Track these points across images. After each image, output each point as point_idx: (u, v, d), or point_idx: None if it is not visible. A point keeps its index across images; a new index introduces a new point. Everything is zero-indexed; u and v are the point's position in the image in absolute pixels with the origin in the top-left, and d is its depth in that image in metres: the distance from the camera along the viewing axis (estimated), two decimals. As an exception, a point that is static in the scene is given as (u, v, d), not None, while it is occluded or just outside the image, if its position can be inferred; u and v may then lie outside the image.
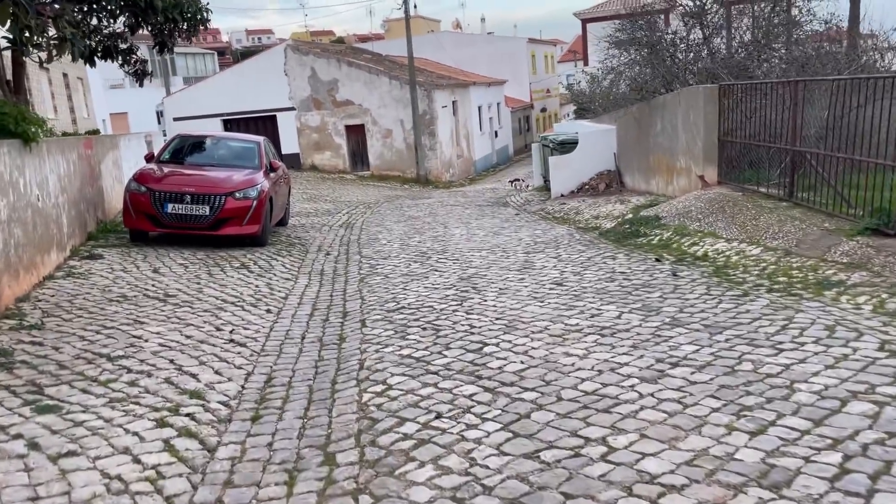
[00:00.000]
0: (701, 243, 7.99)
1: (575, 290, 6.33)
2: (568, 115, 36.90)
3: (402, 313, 6.04)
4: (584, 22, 47.04)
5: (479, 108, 36.75)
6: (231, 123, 30.86)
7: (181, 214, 9.53)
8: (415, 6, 56.57)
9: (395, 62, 34.01)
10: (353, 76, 29.45)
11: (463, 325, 5.48)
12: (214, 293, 7.04)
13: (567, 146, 16.58)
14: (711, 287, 6.05)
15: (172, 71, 45.40)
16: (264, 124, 30.54)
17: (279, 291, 7.27)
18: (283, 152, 30.39)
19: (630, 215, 10.94)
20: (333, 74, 29.56)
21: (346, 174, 29.62)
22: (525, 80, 49.25)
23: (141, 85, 14.24)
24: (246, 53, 51.44)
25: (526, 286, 6.68)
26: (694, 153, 10.98)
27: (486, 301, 6.21)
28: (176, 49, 42.93)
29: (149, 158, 10.95)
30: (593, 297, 6.00)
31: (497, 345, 4.88)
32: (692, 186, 11.11)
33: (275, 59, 29.97)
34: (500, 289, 6.66)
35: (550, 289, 6.49)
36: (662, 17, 14.64)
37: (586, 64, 43.51)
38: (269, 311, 6.39)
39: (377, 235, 11.45)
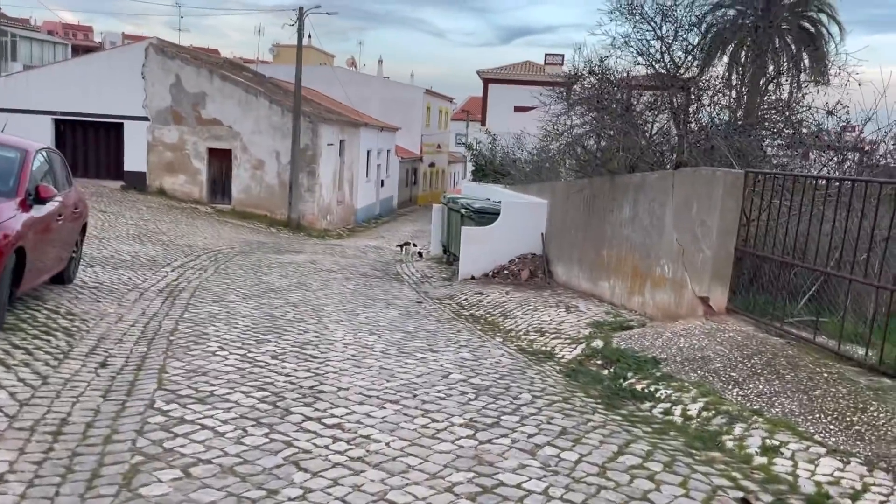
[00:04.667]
0: (782, 448, 4.44)
1: None
2: (466, 175, 33.90)
3: None
4: (487, 81, 45.09)
5: (369, 152, 33.02)
6: (65, 125, 25.20)
7: None
8: (309, 36, 52.64)
9: (280, 86, 29.72)
10: (227, 92, 24.85)
11: None
12: None
13: (486, 216, 13.04)
14: None
15: (13, 55, 38.43)
16: (107, 132, 25.15)
17: None
18: (127, 169, 25.13)
19: (598, 341, 7.35)
20: (202, 87, 24.82)
21: (201, 205, 24.67)
22: (417, 131, 46.36)
23: None
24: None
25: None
26: (694, 263, 7.63)
27: None
28: (22, 32, 36.45)
29: None
30: None
31: None
32: (685, 309, 7.74)
33: (132, 58, 24.82)
34: None
35: None
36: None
37: (483, 124, 41.29)
38: None
39: (207, 327, 7.15)
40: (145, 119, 24.92)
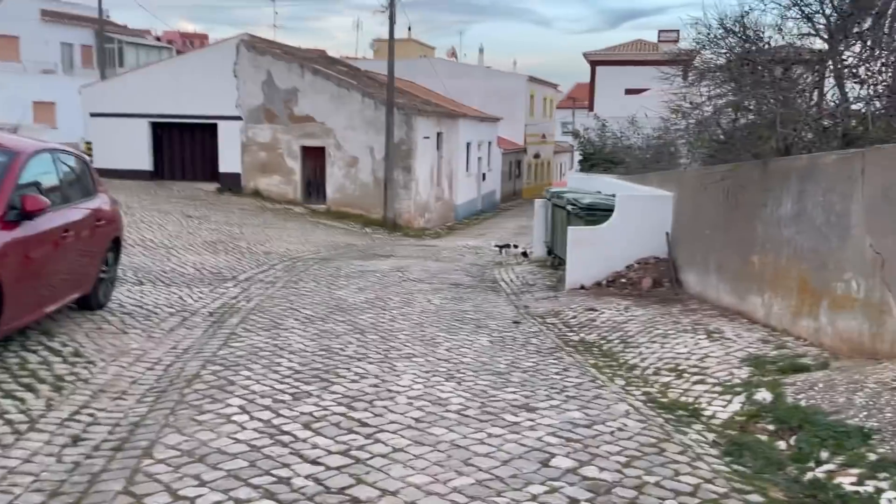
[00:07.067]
0: None
1: None
2: (573, 166, 31.62)
3: None
4: (594, 64, 42.19)
5: (468, 144, 31.35)
6: (162, 129, 24.99)
7: None
8: (409, 28, 51.55)
9: (375, 80, 28.53)
10: (319, 87, 23.83)
11: None
12: None
13: (597, 213, 10.99)
14: None
15: (119, 62, 39.40)
16: (202, 133, 24.73)
17: None
18: (222, 170, 24.63)
19: (763, 391, 5.25)
20: (294, 83, 23.92)
21: (294, 205, 23.80)
22: (520, 122, 44.28)
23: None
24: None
25: None
26: (904, 278, 5.37)
27: None
28: (128, 38, 36.89)
29: None
30: None
31: None
32: (888, 342, 5.48)
33: (224, 57, 24.23)
34: None
35: None
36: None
37: (591, 110, 38.61)
38: None
39: (240, 371, 5.60)
40: (238, 118, 24.31)
